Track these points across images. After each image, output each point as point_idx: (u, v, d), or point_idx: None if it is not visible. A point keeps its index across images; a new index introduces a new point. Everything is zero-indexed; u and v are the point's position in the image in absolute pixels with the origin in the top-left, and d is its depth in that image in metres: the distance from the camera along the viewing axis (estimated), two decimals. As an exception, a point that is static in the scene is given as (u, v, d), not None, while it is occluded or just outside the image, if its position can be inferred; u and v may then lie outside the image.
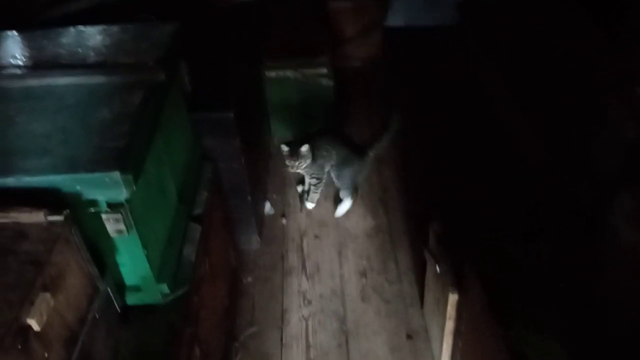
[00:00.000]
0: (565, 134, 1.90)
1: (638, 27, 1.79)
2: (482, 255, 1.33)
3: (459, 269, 1.47)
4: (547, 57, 2.34)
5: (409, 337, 1.94)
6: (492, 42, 2.91)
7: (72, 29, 1.61)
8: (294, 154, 2.24)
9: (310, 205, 2.46)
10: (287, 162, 2.29)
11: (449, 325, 1.56)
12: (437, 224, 1.66)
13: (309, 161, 2.29)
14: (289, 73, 2.70)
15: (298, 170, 2.31)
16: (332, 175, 2.42)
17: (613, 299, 1.14)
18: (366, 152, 2.45)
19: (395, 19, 3.65)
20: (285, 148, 2.26)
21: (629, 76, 1.62)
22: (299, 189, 2.57)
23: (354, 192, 2.44)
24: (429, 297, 1.86)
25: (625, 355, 1.05)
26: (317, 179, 2.39)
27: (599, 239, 1.25)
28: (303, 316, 2.04)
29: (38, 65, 1.44)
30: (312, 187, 2.42)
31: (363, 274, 2.19)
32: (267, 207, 2.50)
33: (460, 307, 1.49)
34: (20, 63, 1.45)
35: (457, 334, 1.55)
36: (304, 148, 2.23)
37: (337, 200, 2.48)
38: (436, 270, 1.61)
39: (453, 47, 3.34)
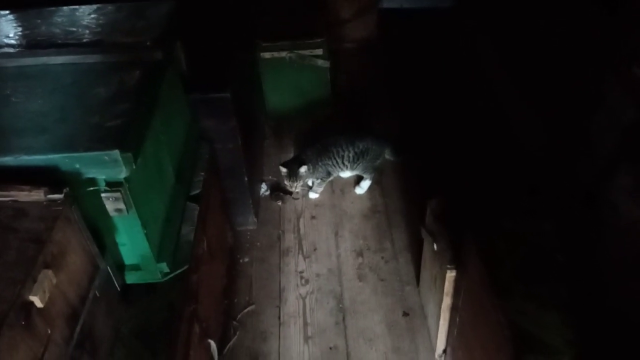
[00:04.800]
0: (564, 113, 1.91)
1: (635, 7, 1.79)
2: (481, 231, 1.34)
3: (456, 246, 1.49)
4: (545, 38, 2.34)
5: (405, 314, 1.96)
6: (489, 23, 2.91)
7: (66, 8, 1.60)
8: (293, 175, 2.26)
9: (314, 195, 2.46)
10: (285, 182, 2.31)
11: (447, 301, 1.58)
12: (435, 202, 1.67)
13: (309, 180, 2.32)
14: (285, 54, 2.68)
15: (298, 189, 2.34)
16: (350, 173, 2.43)
17: (612, 272, 1.16)
18: (380, 138, 2.46)
19: (391, 1, 3.62)
20: (283, 170, 2.29)
21: (626, 55, 1.63)
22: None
23: (374, 171, 2.45)
24: (425, 274, 1.88)
25: (623, 327, 1.07)
26: (322, 179, 2.40)
27: (598, 215, 1.26)
28: (300, 295, 2.05)
29: (33, 44, 1.43)
30: (317, 182, 2.42)
31: (359, 253, 2.20)
32: (263, 188, 2.51)
33: (457, 284, 1.50)
34: (14, 42, 1.44)
35: (454, 309, 1.57)
36: (303, 169, 2.25)
37: (340, 182, 2.48)
38: (434, 247, 1.63)
39: (449, 28, 3.34)
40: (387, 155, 2.48)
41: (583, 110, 1.72)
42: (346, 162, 2.35)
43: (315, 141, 2.42)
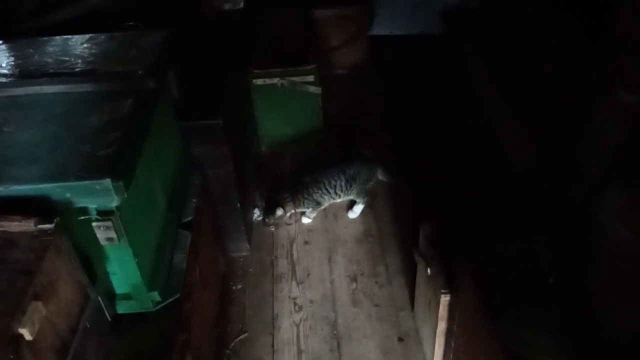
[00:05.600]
0: (554, 136, 1.94)
1: (619, 34, 1.84)
2: (473, 255, 1.35)
3: (450, 271, 1.49)
4: (533, 64, 2.39)
5: (400, 339, 1.94)
6: (479, 51, 2.97)
7: (58, 38, 1.61)
8: (269, 214, 2.38)
9: (306, 220, 2.46)
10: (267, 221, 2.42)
11: (441, 326, 1.57)
12: (428, 226, 1.67)
13: (289, 212, 2.40)
14: (276, 81, 2.71)
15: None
16: (345, 198, 2.44)
17: (602, 295, 1.16)
18: (371, 160, 2.50)
19: (381, 28, 3.69)
20: (258, 217, 2.46)
21: (612, 81, 1.66)
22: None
23: (367, 195, 2.46)
24: (419, 299, 1.87)
25: (616, 349, 1.07)
26: (313, 208, 2.41)
27: (588, 237, 1.27)
28: (294, 322, 2.03)
29: (25, 74, 1.44)
30: (308, 210, 2.42)
31: (353, 278, 2.19)
32: (256, 214, 2.50)
33: (452, 308, 1.50)
34: (7, 72, 1.45)
35: (449, 334, 1.56)
36: (279, 212, 2.35)
37: (333, 206, 2.49)
38: (427, 272, 1.62)
39: (439, 54, 3.40)
40: (381, 176, 2.49)
41: (572, 133, 1.75)
42: (339, 192, 2.37)
43: (305, 171, 2.44)
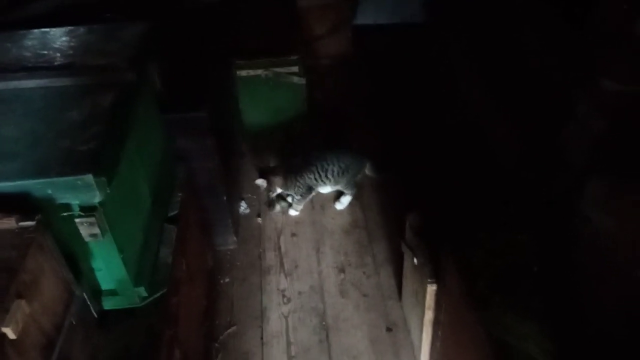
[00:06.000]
0: (538, 127, 1.95)
1: (601, 22, 1.85)
2: (459, 245, 1.36)
3: (436, 260, 1.49)
4: (516, 53, 2.40)
5: (388, 329, 1.96)
6: (462, 39, 2.97)
7: (36, 31, 1.58)
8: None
9: (294, 212, 2.45)
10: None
11: (429, 315, 1.58)
12: (414, 216, 1.68)
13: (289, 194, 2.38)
14: (261, 72, 2.69)
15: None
16: (331, 189, 2.43)
17: (586, 282, 1.18)
18: (360, 154, 2.49)
19: (364, 18, 3.67)
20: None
21: (594, 69, 1.67)
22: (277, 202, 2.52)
23: (354, 186, 2.46)
24: (407, 289, 1.88)
25: (597, 335, 1.08)
26: (302, 196, 2.39)
27: (572, 226, 1.29)
28: (283, 314, 2.04)
29: (2, 68, 1.40)
30: (296, 199, 2.41)
31: (341, 269, 2.20)
32: (243, 207, 2.49)
33: (438, 297, 1.51)
34: (-16, 67, 1.41)
35: (436, 323, 1.58)
36: (261, 183, 2.35)
37: (320, 198, 2.48)
38: (414, 262, 1.63)
39: (424, 43, 3.40)
40: (368, 172, 2.49)
41: (555, 123, 1.76)
42: (330, 176, 2.35)
43: (298, 154, 2.42)
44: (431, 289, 1.51)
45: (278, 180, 2.33)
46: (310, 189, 2.38)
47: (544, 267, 1.26)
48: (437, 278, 1.49)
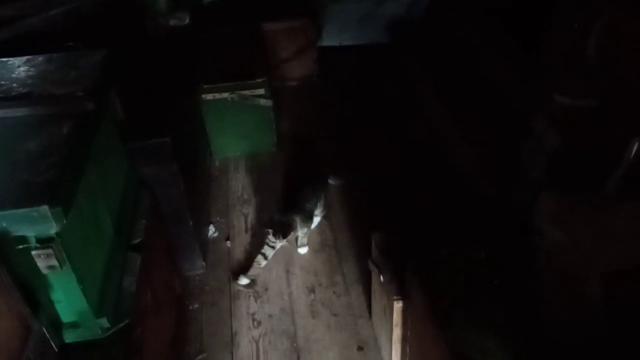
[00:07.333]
0: (497, 145, 2.01)
1: (554, 41, 1.93)
2: (423, 262, 1.38)
3: (401, 277, 1.51)
4: (475, 73, 2.47)
5: (359, 348, 1.96)
6: (422, 61, 3.05)
7: (-7, 61, 1.56)
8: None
9: (303, 250, 2.37)
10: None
11: (396, 332, 1.60)
12: (379, 235, 1.70)
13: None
14: (227, 95, 2.70)
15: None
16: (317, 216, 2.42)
17: (543, 294, 1.21)
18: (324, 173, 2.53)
19: (330, 39, 3.73)
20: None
21: (548, 86, 1.74)
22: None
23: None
24: (376, 306, 1.89)
25: (557, 346, 1.11)
26: (308, 227, 2.35)
27: (529, 240, 1.32)
28: (253, 338, 2.02)
29: (-43, 99, 1.38)
30: (301, 234, 2.36)
31: (311, 289, 2.20)
32: (211, 231, 2.48)
33: (405, 314, 1.52)
34: (-63, 98, 1.39)
35: (404, 340, 1.59)
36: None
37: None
38: (380, 280, 1.65)
39: (387, 63, 3.47)
40: (330, 181, 2.52)
41: (514, 141, 1.82)
42: (316, 212, 2.37)
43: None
44: (397, 306, 1.53)
45: (298, 222, 2.26)
46: (311, 216, 2.37)
47: (504, 281, 1.28)
48: (403, 295, 1.51)
